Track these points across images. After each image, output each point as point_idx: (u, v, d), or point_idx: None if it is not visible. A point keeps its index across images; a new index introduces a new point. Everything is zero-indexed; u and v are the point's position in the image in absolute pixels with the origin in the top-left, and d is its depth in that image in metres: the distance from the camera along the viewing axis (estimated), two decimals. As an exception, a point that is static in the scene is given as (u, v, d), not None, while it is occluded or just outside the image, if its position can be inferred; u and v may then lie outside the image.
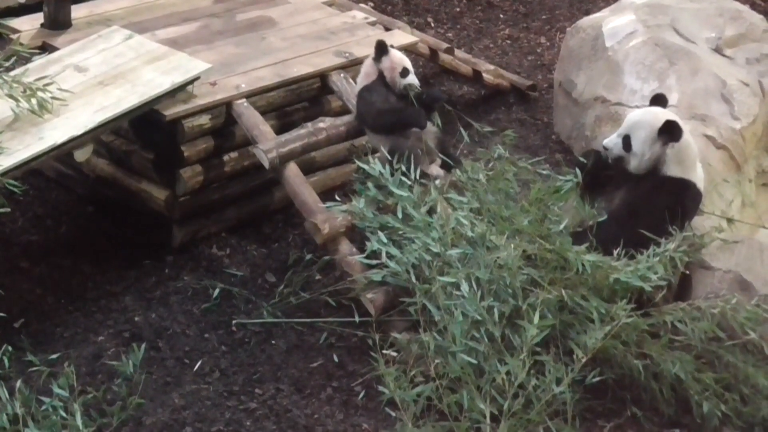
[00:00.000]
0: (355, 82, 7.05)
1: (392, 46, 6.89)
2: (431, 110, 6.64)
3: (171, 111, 6.65)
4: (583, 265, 5.59)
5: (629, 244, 5.77)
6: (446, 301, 5.53)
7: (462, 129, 6.69)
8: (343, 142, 7.16)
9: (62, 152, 6.25)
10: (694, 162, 6.12)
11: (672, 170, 6.03)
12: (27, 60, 6.72)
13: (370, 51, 6.84)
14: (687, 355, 5.60)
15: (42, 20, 7.42)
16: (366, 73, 6.80)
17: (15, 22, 7.40)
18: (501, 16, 10.72)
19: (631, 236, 5.79)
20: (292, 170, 6.62)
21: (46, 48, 7.15)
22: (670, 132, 5.95)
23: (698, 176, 6.12)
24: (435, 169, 6.57)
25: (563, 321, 5.51)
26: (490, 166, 6.28)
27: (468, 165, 6.36)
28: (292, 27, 7.87)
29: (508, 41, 10.24)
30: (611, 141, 6.12)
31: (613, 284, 5.60)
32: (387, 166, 6.19)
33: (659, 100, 6.29)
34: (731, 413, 5.56)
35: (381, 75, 6.74)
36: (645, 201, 6.00)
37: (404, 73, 6.67)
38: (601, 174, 6.19)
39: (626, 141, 6.05)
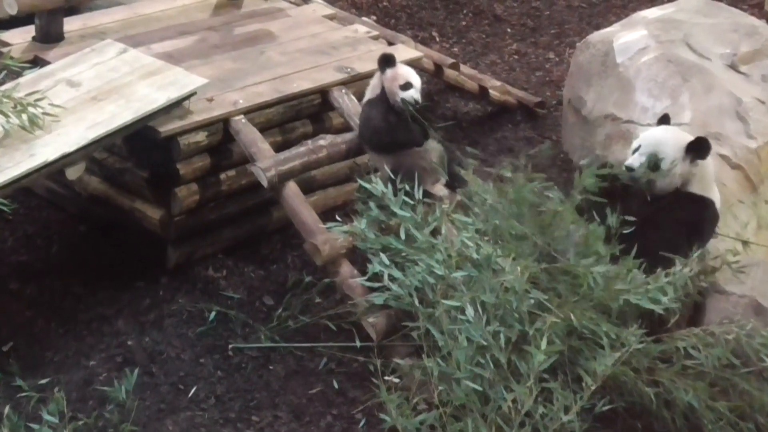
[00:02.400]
0: (357, 99, 7.07)
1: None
2: (424, 121, 6.59)
3: (166, 127, 6.66)
4: (594, 279, 5.58)
5: (643, 257, 5.76)
6: (450, 326, 5.52)
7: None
8: (344, 160, 7.18)
9: (54, 170, 6.26)
10: (712, 180, 6.13)
11: (692, 187, 6.02)
12: (18, 74, 6.73)
13: (373, 66, 6.85)
14: (700, 382, 5.58)
15: (33, 33, 7.44)
16: (372, 87, 6.79)
17: (5, 35, 7.42)
18: (508, 30, 10.75)
19: (644, 251, 5.78)
20: (292, 189, 6.63)
21: (37, 62, 7.17)
22: (699, 149, 5.95)
23: (716, 196, 6.13)
24: (439, 189, 6.58)
25: (572, 346, 5.51)
26: (497, 186, 6.28)
27: (474, 184, 6.35)
28: (292, 41, 7.90)
29: (516, 56, 10.26)
30: (635, 161, 6.03)
31: (623, 306, 5.60)
32: (389, 186, 6.20)
33: (666, 120, 6.30)
34: (746, 443, 5.56)
35: (384, 89, 6.72)
36: (661, 216, 5.97)
37: (405, 86, 6.60)
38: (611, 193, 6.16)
39: (653, 160, 6.01)
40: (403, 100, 6.56)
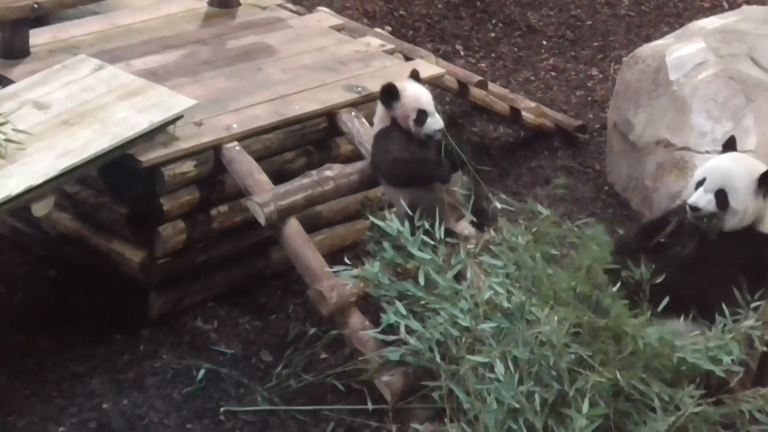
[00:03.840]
0: (369, 122, 7.09)
1: (418, 78, 6.87)
2: (456, 168, 6.59)
3: (149, 156, 6.68)
4: (643, 338, 5.57)
5: (700, 305, 5.75)
6: (477, 385, 5.53)
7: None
8: (354, 193, 7.19)
9: (18, 205, 6.27)
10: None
11: (761, 225, 5.99)
12: (-23, 95, 6.79)
13: (388, 84, 6.87)
14: (768, 451, 5.60)
15: (-5, 48, 7.52)
16: (380, 117, 6.81)
17: (-37, 51, 7.49)
18: (544, 43, 10.80)
19: (702, 298, 5.77)
20: (293, 227, 6.65)
21: None
22: None
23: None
24: (464, 227, 6.59)
25: (618, 409, 5.50)
26: (530, 224, 6.28)
27: (504, 223, 6.36)
28: (294, 56, 7.94)
29: (553, 73, 10.30)
30: (701, 199, 5.97)
31: (678, 364, 5.59)
32: (406, 223, 6.21)
33: (732, 144, 6.26)
34: None
35: (395, 119, 6.74)
36: (721, 257, 5.94)
37: (420, 119, 6.62)
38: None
39: (721, 197, 5.95)
40: (427, 135, 6.60)
